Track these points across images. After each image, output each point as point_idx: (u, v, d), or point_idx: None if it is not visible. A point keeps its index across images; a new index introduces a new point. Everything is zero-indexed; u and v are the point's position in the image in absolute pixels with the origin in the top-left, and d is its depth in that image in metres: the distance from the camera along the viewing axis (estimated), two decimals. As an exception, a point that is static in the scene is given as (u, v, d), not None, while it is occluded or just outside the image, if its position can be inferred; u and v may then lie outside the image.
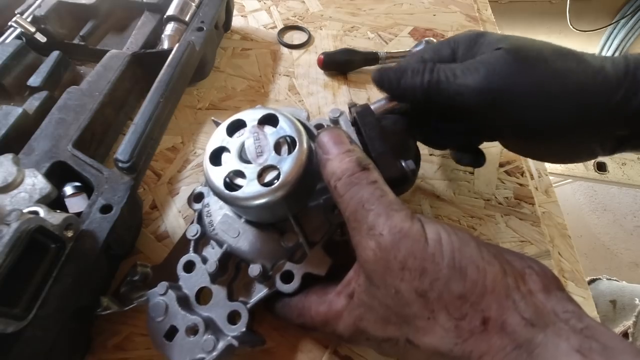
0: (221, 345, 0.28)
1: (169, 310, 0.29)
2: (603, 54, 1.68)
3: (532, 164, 0.49)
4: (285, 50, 0.58)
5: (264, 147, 0.28)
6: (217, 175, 0.27)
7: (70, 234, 0.27)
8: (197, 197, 0.36)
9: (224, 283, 0.31)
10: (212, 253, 0.32)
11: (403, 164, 0.30)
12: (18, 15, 0.46)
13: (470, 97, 0.30)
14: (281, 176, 0.26)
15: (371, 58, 0.54)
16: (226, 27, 0.59)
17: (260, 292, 0.30)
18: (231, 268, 0.32)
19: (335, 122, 0.34)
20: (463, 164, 0.40)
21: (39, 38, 0.46)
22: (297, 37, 0.61)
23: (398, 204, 0.24)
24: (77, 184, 0.34)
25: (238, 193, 0.27)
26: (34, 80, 0.41)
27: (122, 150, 0.34)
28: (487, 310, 0.21)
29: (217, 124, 0.31)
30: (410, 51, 0.53)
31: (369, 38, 0.61)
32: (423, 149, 0.40)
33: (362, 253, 0.24)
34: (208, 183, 0.28)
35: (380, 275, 0.23)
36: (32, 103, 0.39)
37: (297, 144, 0.27)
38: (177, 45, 0.44)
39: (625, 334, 0.64)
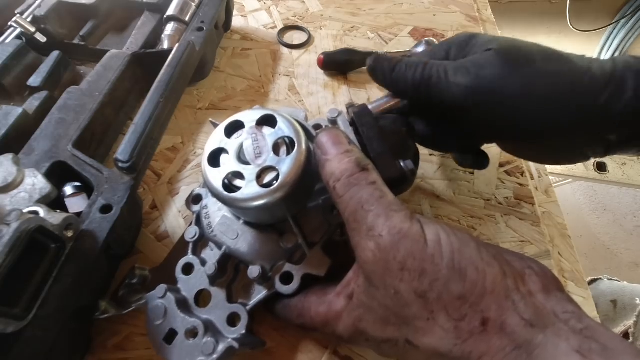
0: (221, 347, 0.28)
1: (168, 313, 0.29)
2: (603, 54, 1.68)
3: (532, 164, 0.49)
4: (285, 50, 0.58)
5: (262, 148, 0.28)
6: (216, 177, 0.27)
7: (70, 234, 0.27)
8: (196, 199, 0.36)
9: (223, 285, 0.31)
10: (211, 255, 0.32)
11: (402, 164, 0.30)
12: (18, 15, 0.46)
13: (461, 96, 0.31)
14: (280, 177, 0.26)
15: (371, 58, 0.54)
16: (226, 27, 0.59)
17: (259, 293, 0.30)
18: (230, 270, 0.32)
19: (333, 122, 0.34)
20: (465, 167, 0.40)
21: (39, 38, 0.46)
22: (297, 37, 0.61)
23: (397, 204, 0.24)
24: (77, 184, 0.34)
25: (237, 194, 0.26)
26: (34, 80, 0.41)
27: (122, 150, 0.34)
28: (487, 311, 0.21)
29: (215, 126, 0.31)
30: (410, 51, 0.53)
31: (369, 38, 0.61)
32: (423, 149, 0.40)
33: (361, 254, 0.24)
34: (206, 184, 0.28)
35: (380, 276, 0.23)
36: (32, 103, 0.39)
37: (296, 144, 0.27)
38: (177, 45, 0.44)
39: (625, 334, 0.64)
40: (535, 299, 0.21)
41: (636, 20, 1.55)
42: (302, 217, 0.31)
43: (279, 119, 0.28)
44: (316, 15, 0.64)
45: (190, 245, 0.33)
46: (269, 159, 0.27)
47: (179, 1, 0.50)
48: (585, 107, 0.29)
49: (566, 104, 0.29)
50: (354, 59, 0.54)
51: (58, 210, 0.28)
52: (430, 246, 0.22)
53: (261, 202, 0.26)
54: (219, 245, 0.31)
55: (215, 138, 0.29)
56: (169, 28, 0.49)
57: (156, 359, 0.32)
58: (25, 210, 0.26)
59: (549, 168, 0.52)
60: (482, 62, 0.31)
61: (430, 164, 0.46)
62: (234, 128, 0.29)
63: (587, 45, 1.70)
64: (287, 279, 0.30)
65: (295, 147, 0.27)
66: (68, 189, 0.33)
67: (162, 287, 0.30)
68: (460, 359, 0.21)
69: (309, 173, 0.28)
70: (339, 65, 0.54)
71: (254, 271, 0.29)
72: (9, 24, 0.46)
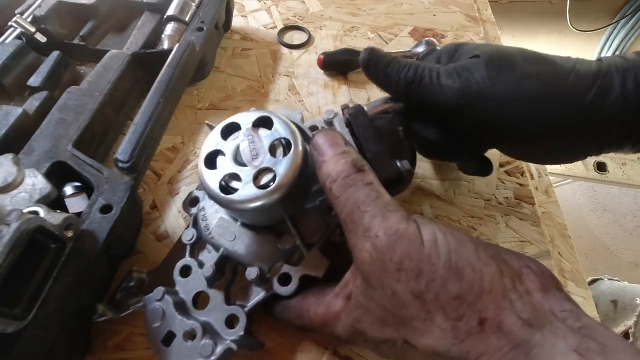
0: (219, 349, 0.28)
1: (165, 315, 0.29)
2: (603, 54, 1.68)
3: (532, 164, 0.49)
4: (285, 50, 0.58)
5: (259, 150, 0.28)
6: (213, 179, 0.27)
7: (70, 234, 0.27)
8: (193, 201, 0.36)
9: (221, 287, 0.31)
10: (209, 257, 0.32)
11: (398, 164, 0.30)
12: (18, 15, 0.46)
13: (453, 98, 0.31)
14: (277, 178, 0.26)
15: (371, 58, 0.54)
16: (226, 27, 0.59)
17: (257, 295, 0.30)
18: (228, 272, 0.32)
19: (329, 123, 0.34)
20: (469, 174, 0.40)
21: (39, 38, 0.46)
22: (297, 37, 0.61)
23: (394, 205, 0.24)
24: (77, 184, 0.34)
25: (234, 196, 0.26)
26: (34, 80, 0.41)
27: (122, 150, 0.34)
28: (484, 310, 0.21)
29: (211, 128, 0.31)
30: (410, 51, 0.53)
31: (369, 38, 0.61)
32: (422, 150, 0.40)
33: (358, 255, 0.24)
34: (203, 186, 0.28)
35: (377, 276, 0.23)
36: (32, 103, 0.39)
37: (292, 146, 0.27)
38: (177, 45, 0.44)
39: (626, 334, 0.64)
40: (533, 298, 0.21)
41: (636, 20, 1.54)
42: (300, 218, 0.31)
43: (275, 120, 0.28)
44: (316, 15, 0.64)
45: (188, 248, 0.33)
46: (265, 160, 0.27)
47: (179, 1, 0.50)
48: (572, 107, 0.29)
49: (552, 103, 0.30)
50: (354, 59, 0.54)
51: (58, 210, 0.28)
52: (427, 246, 0.22)
53: (258, 203, 0.26)
54: (216, 247, 0.31)
55: (212, 140, 0.29)
56: (169, 28, 0.49)
57: (156, 359, 0.32)
58: (25, 210, 0.26)
59: (549, 168, 0.52)
60: (469, 67, 0.32)
61: (430, 164, 0.46)
62: (230, 130, 0.29)
63: (587, 45, 1.69)
64: (285, 280, 0.30)
65: (292, 148, 0.27)
66: (68, 189, 0.33)
67: (159, 290, 0.30)
68: (458, 359, 0.21)
69: (306, 174, 0.28)
70: (339, 65, 0.54)
71: (251, 273, 0.29)
72: (9, 24, 0.46)
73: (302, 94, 0.53)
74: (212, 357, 0.27)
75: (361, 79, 0.55)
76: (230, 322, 0.30)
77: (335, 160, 0.26)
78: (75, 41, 0.49)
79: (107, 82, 0.41)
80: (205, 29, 0.48)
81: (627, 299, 0.70)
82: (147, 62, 0.46)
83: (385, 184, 0.26)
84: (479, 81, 0.31)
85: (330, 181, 0.25)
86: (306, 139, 0.30)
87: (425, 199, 0.43)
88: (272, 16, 0.63)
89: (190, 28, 0.48)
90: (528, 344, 0.20)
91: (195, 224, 0.33)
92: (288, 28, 0.61)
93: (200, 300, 0.31)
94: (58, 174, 0.34)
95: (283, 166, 0.27)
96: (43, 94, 0.40)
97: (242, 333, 0.29)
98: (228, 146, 0.28)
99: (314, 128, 0.35)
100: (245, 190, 0.27)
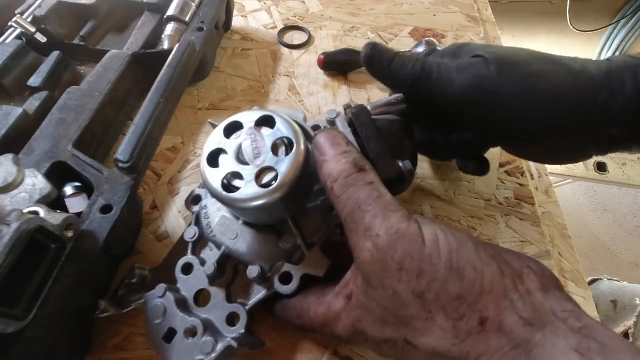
0: (220, 346, 0.28)
1: (167, 312, 0.29)
2: (603, 54, 1.68)
3: (532, 164, 0.49)
4: (285, 50, 0.58)
5: (261, 149, 0.28)
6: (215, 177, 0.27)
7: (70, 234, 0.27)
8: (195, 199, 0.36)
9: (222, 285, 0.31)
10: (210, 255, 0.32)
11: (400, 163, 0.30)
12: (18, 15, 0.46)
13: (461, 93, 0.31)
14: (279, 177, 0.26)
15: (371, 58, 0.54)
16: (226, 27, 0.59)
17: (258, 293, 0.30)
18: (229, 270, 0.32)
19: (331, 123, 0.34)
20: (468, 173, 0.40)
21: (39, 38, 0.46)
22: (297, 37, 0.61)
23: (395, 204, 0.24)
24: (77, 184, 0.34)
25: (236, 194, 0.27)
26: (34, 80, 0.41)
27: (122, 150, 0.34)
28: (485, 310, 0.21)
29: (214, 126, 0.31)
30: (410, 51, 0.53)
31: (369, 38, 0.61)
32: (422, 149, 0.40)
33: (359, 254, 0.24)
34: (205, 185, 0.28)
35: (378, 276, 0.23)
36: (32, 103, 0.39)
37: (294, 145, 0.27)
38: (177, 45, 0.44)
39: (625, 334, 0.64)
40: (534, 297, 0.21)
41: (636, 20, 1.55)
42: (301, 217, 0.31)
43: (277, 119, 0.29)
44: (316, 15, 0.64)
45: (190, 245, 0.33)
46: (267, 159, 0.27)
47: (179, 1, 0.50)
48: (585, 107, 0.29)
49: (566, 103, 0.29)
50: (354, 59, 0.54)
51: (58, 210, 0.28)
52: (428, 246, 0.22)
53: (260, 202, 0.26)
54: (218, 245, 0.31)
55: (214, 138, 0.29)
56: (169, 28, 0.49)
57: (156, 359, 0.32)
58: (25, 210, 0.26)
59: (549, 168, 0.52)
60: (479, 64, 0.31)
61: (430, 164, 0.46)
62: (233, 128, 0.29)
63: (587, 45, 1.70)
64: (286, 279, 0.30)
65: (294, 148, 0.27)
66: (68, 189, 0.33)
67: (161, 287, 0.30)
68: (459, 359, 0.21)
69: (308, 173, 0.28)
70: (339, 65, 0.54)
71: (252, 271, 0.29)
72: (9, 24, 0.46)
73: (302, 94, 0.53)
74: (213, 354, 0.28)
75: (361, 79, 0.55)
76: (231, 319, 0.30)
77: (336, 160, 0.26)
78: (75, 41, 0.49)
79: (107, 82, 0.41)
80: (205, 29, 0.48)
81: (626, 299, 0.70)
82: (147, 62, 0.46)
83: (387, 184, 0.26)
84: (489, 77, 0.30)
85: (332, 180, 0.25)
86: (308, 138, 0.30)
87: (425, 199, 0.43)
88: (272, 16, 0.63)
89: (190, 28, 0.48)
90: (529, 344, 0.20)
91: (197, 221, 0.34)
92: (288, 28, 0.61)
93: (201, 297, 0.31)
94: (58, 174, 0.34)
95: (285, 165, 0.27)
96: (43, 94, 0.40)
97: (242, 331, 0.29)
98: (230, 145, 0.29)
99: (316, 127, 0.35)
100: (247, 188, 0.27)
